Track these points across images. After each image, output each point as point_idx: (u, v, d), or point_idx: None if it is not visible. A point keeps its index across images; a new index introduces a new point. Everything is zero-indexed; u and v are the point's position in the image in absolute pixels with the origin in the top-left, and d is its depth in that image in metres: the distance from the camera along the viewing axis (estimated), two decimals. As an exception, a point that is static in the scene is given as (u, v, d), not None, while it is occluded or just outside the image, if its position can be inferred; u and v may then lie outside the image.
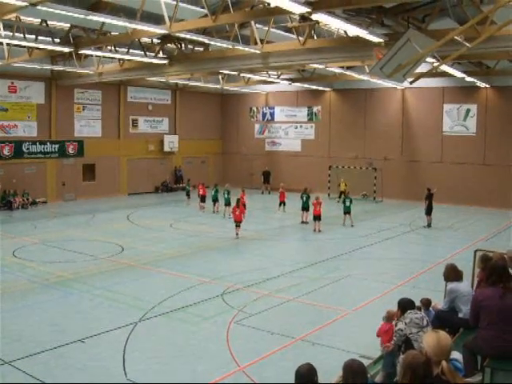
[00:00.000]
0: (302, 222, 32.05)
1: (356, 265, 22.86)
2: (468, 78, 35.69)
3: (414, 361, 5.41)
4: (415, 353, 5.76)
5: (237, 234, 28.01)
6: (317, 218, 29.81)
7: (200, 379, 11.70)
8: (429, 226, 31.29)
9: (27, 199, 37.93)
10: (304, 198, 32.01)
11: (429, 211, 31.55)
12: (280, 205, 35.94)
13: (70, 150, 41.62)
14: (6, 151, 37.67)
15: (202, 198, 36.96)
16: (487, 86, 39.16)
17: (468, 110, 41.06)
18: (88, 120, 43.26)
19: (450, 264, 10.84)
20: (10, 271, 21.08)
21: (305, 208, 31.97)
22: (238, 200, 29.41)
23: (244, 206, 30.53)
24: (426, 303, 10.79)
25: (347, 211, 31.56)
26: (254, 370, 12.16)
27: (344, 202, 32.06)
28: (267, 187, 47.86)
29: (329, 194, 43.92)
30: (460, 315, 9.97)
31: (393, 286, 18.95)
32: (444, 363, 5.44)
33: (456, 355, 7.75)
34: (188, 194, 40.38)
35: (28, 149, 38.97)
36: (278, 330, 14.72)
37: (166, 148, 48.68)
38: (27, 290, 18.76)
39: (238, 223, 28.20)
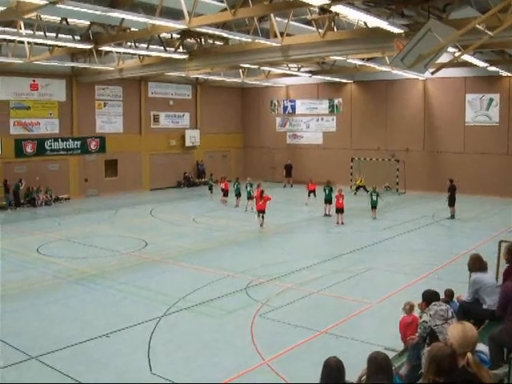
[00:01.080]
0: (325, 215, 32.03)
1: (379, 257, 22.78)
2: (490, 68, 35.35)
3: (439, 353, 5.38)
4: (441, 345, 5.72)
5: (261, 225, 28.35)
6: (339, 210, 29.73)
7: (225, 373, 11.72)
8: (452, 217, 31.07)
9: (50, 196, 38.18)
10: (327, 191, 31.98)
11: (452, 202, 31.30)
12: (309, 194, 36.40)
13: (92, 146, 41.88)
14: (29, 149, 38.01)
15: (225, 193, 37.03)
16: (510, 74, 38.72)
17: (491, 100, 40.65)
18: (109, 116, 43.44)
19: (475, 254, 10.78)
20: (34, 267, 21.28)
21: (328, 200, 31.96)
22: (262, 192, 29.60)
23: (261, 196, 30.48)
24: (450, 294, 10.74)
25: (374, 205, 31.56)
26: (278, 363, 12.18)
27: (371, 196, 31.95)
28: (289, 180, 47.73)
29: (351, 187, 43.75)
30: (484, 306, 9.90)
31: (417, 278, 18.87)
32: (470, 355, 5.39)
33: (481, 347, 7.69)
34: (211, 189, 40.41)
35: (50, 146, 39.27)
36: (302, 323, 14.72)
37: (188, 143, 48.76)
38: (51, 286, 18.92)
39: (260, 213, 28.59)
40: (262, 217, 28.73)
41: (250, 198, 33.97)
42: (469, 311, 9.92)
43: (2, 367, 11.92)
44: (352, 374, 6.90)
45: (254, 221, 29.08)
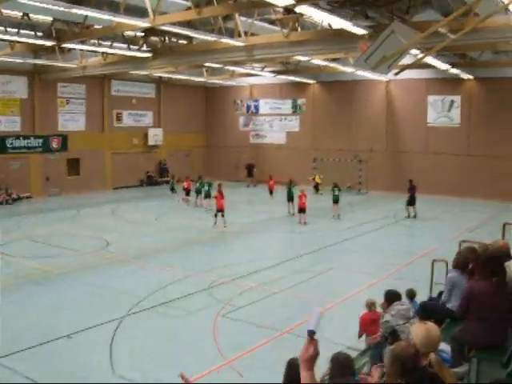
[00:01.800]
0: (289, 214, 32.21)
1: (341, 257, 22.96)
2: (452, 70, 35.81)
3: (403, 353, 5.41)
4: (404, 344, 5.76)
5: (215, 223, 28.62)
6: (302, 210, 29.82)
7: (187, 373, 11.64)
8: (414, 216, 31.56)
9: (10, 194, 37.62)
10: (290, 190, 32.16)
11: (413, 202, 31.82)
12: (271, 193, 37.70)
13: (54, 144, 41.41)
14: (-11, 146, 37.47)
15: (187, 192, 36.89)
16: (471, 77, 39.28)
17: (452, 102, 41.22)
18: (72, 114, 43.00)
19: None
20: (-5, 267, 20.98)
21: (291, 199, 32.10)
22: (219, 188, 29.62)
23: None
24: (411, 294, 10.85)
25: (336, 200, 31.76)
26: (241, 363, 12.18)
27: (333, 191, 32.12)
28: (252, 180, 47.79)
29: (314, 187, 43.96)
30: (448, 305, 9.96)
31: (378, 278, 19.02)
32: (432, 355, 5.43)
33: (443, 346, 7.78)
34: (173, 189, 40.19)
35: (12, 144, 38.70)
36: (265, 322, 14.76)
37: (151, 141, 48.54)
38: (12, 285, 18.64)
39: (219, 211, 28.72)
40: (222, 215, 28.78)
41: (207, 196, 33.96)
42: (431, 310, 9.98)
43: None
44: (316, 374, 6.92)
45: (214, 220, 29.00)
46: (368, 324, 10.53)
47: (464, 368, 7.58)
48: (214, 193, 31.83)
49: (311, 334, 4.41)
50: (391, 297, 9.06)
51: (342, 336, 13.26)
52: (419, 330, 5.61)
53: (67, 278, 19.56)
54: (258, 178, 47.30)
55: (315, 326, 4.44)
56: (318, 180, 43.26)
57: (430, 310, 9.90)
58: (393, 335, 8.23)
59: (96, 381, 11.43)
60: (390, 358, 5.49)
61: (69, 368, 12.09)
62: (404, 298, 10.17)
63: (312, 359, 4.24)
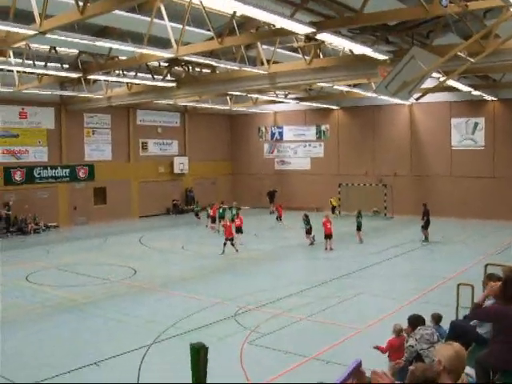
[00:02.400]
0: (311, 243, 31.62)
1: (367, 282, 22.85)
2: (475, 92, 35.76)
3: (423, 374, 5.43)
4: (425, 366, 5.77)
5: (223, 251, 28.79)
6: (328, 236, 29.70)
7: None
8: (426, 239, 31.78)
9: (38, 223, 38.05)
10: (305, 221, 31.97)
11: (427, 226, 32.06)
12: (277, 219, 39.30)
13: (81, 174, 41.95)
14: (18, 176, 38.04)
15: (213, 219, 37.05)
16: (494, 98, 39.24)
17: (476, 124, 41.13)
18: (98, 144, 43.57)
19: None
20: (23, 296, 21.25)
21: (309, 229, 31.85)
22: (233, 216, 29.75)
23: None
24: (437, 318, 10.83)
25: (359, 227, 32.00)
26: (267, 389, 12.21)
27: (357, 218, 32.22)
28: (273, 206, 47.58)
29: (339, 212, 43.93)
30: (479, 330, 9.91)
31: (405, 303, 18.94)
32: (464, 376, 5.44)
33: (467, 370, 7.78)
34: (197, 215, 40.36)
35: (39, 174, 39.33)
36: (292, 349, 14.75)
37: (177, 170, 48.90)
38: (40, 314, 18.88)
39: (229, 239, 28.88)
40: (232, 243, 28.97)
41: (233, 220, 34.17)
42: (461, 333, 9.95)
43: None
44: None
45: (241, 248, 29.06)
46: (395, 349, 10.52)
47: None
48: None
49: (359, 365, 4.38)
50: (415, 321, 9.08)
51: (369, 361, 13.19)
52: (446, 351, 5.58)
53: (94, 306, 19.72)
54: (284, 204, 47.21)
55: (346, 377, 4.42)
56: (333, 203, 44.09)
57: (460, 331, 9.87)
58: (417, 360, 8.25)
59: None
60: (409, 379, 5.50)
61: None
62: (429, 323, 10.18)
63: None
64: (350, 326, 16.69)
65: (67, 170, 41.09)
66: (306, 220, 31.47)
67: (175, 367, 13.79)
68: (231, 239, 28.86)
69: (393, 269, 25.37)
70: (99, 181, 43.06)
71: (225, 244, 28.77)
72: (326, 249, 29.67)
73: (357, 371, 4.21)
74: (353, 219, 33.11)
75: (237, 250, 28.75)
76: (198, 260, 28.06)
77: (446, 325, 10.77)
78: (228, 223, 29.71)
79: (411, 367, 5.81)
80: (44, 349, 15.35)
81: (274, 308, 18.91)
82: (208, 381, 12.80)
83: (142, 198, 46.32)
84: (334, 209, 43.75)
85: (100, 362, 14.05)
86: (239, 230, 31.03)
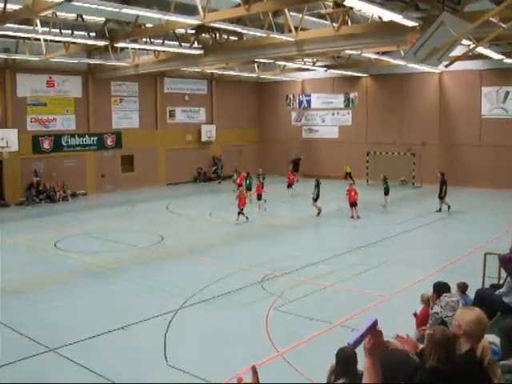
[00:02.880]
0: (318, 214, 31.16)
1: (394, 251, 22.82)
2: (506, 60, 35.13)
3: (443, 337, 5.43)
4: (443, 328, 5.77)
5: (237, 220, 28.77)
6: (353, 204, 29.69)
7: (239, 364, 11.84)
8: (440, 210, 31.45)
9: (65, 191, 38.41)
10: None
11: (443, 196, 31.59)
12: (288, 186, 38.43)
13: (109, 142, 42.17)
14: (46, 145, 38.34)
15: (239, 187, 37.04)
16: (527, 66, 38.55)
17: (507, 93, 40.46)
18: (125, 112, 43.70)
19: None
20: (53, 262, 21.55)
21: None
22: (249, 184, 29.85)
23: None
24: (463, 287, 10.78)
25: (387, 192, 32.57)
26: (292, 355, 12.29)
27: (384, 183, 32.93)
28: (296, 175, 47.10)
29: (367, 181, 43.75)
30: (505, 299, 9.87)
31: (431, 272, 18.88)
32: (486, 342, 5.40)
33: (492, 338, 7.76)
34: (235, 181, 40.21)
35: (67, 142, 39.59)
36: (317, 315, 14.82)
37: (204, 138, 48.94)
38: (69, 280, 19.15)
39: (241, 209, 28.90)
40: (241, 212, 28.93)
41: (250, 189, 34.99)
42: (487, 300, 9.92)
43: (20, 359, 12.17)
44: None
45: (267, 214, 29.11)
46: (425, 318, 10.45)
47: (513, 360, 7.54)
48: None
49: (374, 324, 4.38)
50: (440, 288, 9.03)
51: (394, 329, 13.23)
52: (467, 315, 5.55)
53: (121, 272, 19.96)
54: (311, 172, 47.11)
55: (359, 338, 4.40)
56: (347, 169, 44.84)
57: (486, 299, 9.84)
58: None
59: (149, 372, 11.69)
60: (428, 343, 5.50)
61: (123, 359, 12.38)
62: (455, 292, 10.15)
63: (373, 348, 4.26)
64: (375, 293, 16.72)
65: (95, 138, 41.32)
66: (316, 186, 30.91)
67: (201, 332, 13.98)
68: (241, 209, 28.78)
69: (420, 238, 25.31)
70: (127, 148, 43.27)
71: (239, 213, 28.73)
72: (353, 217, 29.64)
73: (373, 329, 4.21)
74: (381, 188, 33.01)
75: (247, 218, 28.74)
76: (225, 227, 28.18)
77: (472, 294, 10.76)
78: (244, 193, 29.60)
79: (428, 331, 5.81)
80: (71, 313, 15.60)
81: (300, 275, 18.99)
82: (231, 345, 13.00)
83: (169, 166, 46.49)
84: (348, 175, 44.24)
85: (127, 326, 14.25)
86: (259, 197, 31.76)
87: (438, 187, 31.59)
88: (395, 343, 6.77)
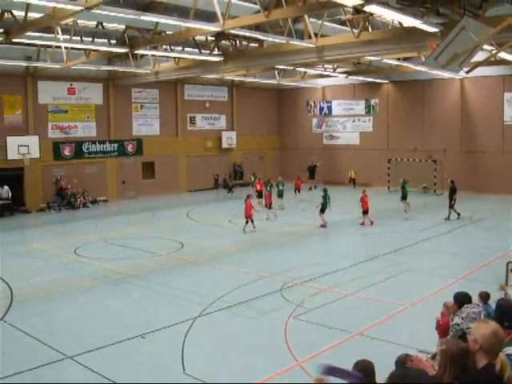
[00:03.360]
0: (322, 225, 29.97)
1: (415, 259, 22.58)
2: (530, 66, 34.85)
3: (458, 351, 5.30)
4: (456, 341, 5.63)
5: (244, 230, 28.47)
6: (365, 212, 29.63)
7: (258, 373, 11.75)
8: (448, 218, 30.90)
9: (85, 198, 38.53)
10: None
11: (453, 204, 31.02)
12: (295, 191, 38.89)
13: (129, 148, 42.32)
14: (67, 152, 38.58)
15: (259, 194, 36.89)
16: (550, 72, 38.17)
17: (530, 99, 40.12)
18: (146, 118, 43.85)
19: None
20: (72, 268, 21.60)
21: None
22: (248, 196, 29.51)
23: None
24: (485, 297, 10.59)
25: (404, 197, 32.30)
26: (311, 364, 12.14)
27: (402, 188, 32.48)
28: (313, 182, 46.89)
29: (388, 188, 43.49)
30: None
31: (452, 280, 18.66)
32: (503, 356, 5.26)
33: (511, 351, 7.59)
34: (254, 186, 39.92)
35: (88, 149, 39.81)
36: (336, 324, 14.67)
37: (225, 144, 49.00)
38: (88, 286, 19.16)
39: (247, 219, 28.55)
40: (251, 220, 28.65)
41: (280, 196, 34.51)
42: (507, 313, 9.76)
43: (38, 366, 12.15)
44: (385, 376, 6.86)
45: (289, 222, 28.97)
46: (448, 329, 10.27)
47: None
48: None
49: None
50: (461, 299, 8.87)
51: (414, 339, 13.09)
52: (485, 329, 5.41)
53: (141, 279, 19.92)
54: (331, 179, 46.97)
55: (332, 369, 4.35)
56: (352, 175, 45.32)
57: (506, 310, 9.67)
58: (463, 339, 8.07)
59: (166, 381, 11.60)
60: (443, 357, 5.37)
61: (141, 367, 12.31)
62: (476, 300, 9.97)
63: None
64: (395, 302, 16.53)
65: (115, 145, 41.48)
66: (324, 196, 29.80)
67: (219, 341, 13.89)
68: (250, 219, 28.49)
69: (441, 246, 25.04)
70: (147, 155, 43.40)
71: (246, 222, 28.44)
72: (363, 224, 29.57)
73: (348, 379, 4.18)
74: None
75: (254, 227, 28.52)
76: (244, 234, 28.06)
77: (494, 304, 10.56)
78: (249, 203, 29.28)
79: (441, 347, 5.67)
80: (90, 320, 15.59)
81: (319, 283, 18.84)
82: (249, 353, 12.88)
83: (189, 173, 46.57)
84: (351, 181, 44.77)
85: (145, 334, 14.20)
86: (269, 205, 32.19)
87: (448, 195, 31.32)
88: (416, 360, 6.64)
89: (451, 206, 30.87)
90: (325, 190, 30.06)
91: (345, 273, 20.22)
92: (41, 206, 36.87)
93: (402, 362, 6.13)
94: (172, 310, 16.42)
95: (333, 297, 17.32)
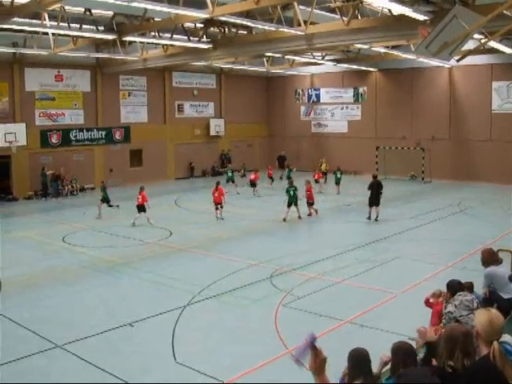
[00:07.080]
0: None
1: (404, 246, 22.63)
2: (518, 54, 34.85)
3: (453, 332, 5.31)
4: (456, 325, 5.63)
5: (216, 217, 28.54)
6: (310, 203, 29.57)
7: (248, 362, 11.73)
8: (369, 218, 27.98)
9: (73, 186, 38.38)
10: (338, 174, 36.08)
11: (377, 201, 27.91)
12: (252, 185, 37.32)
13: (117, 136, 42.12)
14: (54, 139, 38.34)
15: (252, 184, 36.78)
16: (538, 61, 38.22)
17: (518, 87, 40.21)
18: (134, 106, 43.64)
19: (487, 248, 11.04)
20: (60, 257, 21.49)
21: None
22: (218, 182, 29.40)
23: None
24: (470, 287, 10.60)
25: (337, 182, 35.98)
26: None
27: (336, 174, 35.80)
28: (282, 171, 45.11)
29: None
30: (505, 297, 9.86)
31: (442, 268, 18.73)
32: (495, 344, 5.25)
33: (507, 338, 7.59)
34: (233, 181, 39.40)
35: (75, 136, 39.58)
36: (326, 312, 14.68)
37: (213, 132, 48.86)
38: (77, 275, 19.09)
39: (217, 205, 28.62)
40: (221, 206, 28.76)
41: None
42: (497, 299, 9.85)
43: (28, 355, 12.09)
44: (375, 364, 6.85)
45: (279, 211, 28.95)
46: (439, 314, 10.26)
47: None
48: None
49: (312, 340, 4.43)
50: (454, 287, 8.89)
51: (404, 326, 13.08)
52: (482, 317, 5.41)
53: (129, 267, 19.86)
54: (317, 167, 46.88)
55: (301, 354, 4.44)
56: (323, 167, 42.48)
57: (494, 297, 9.73)
58: (456, 327, 8.08)
59: (157, 370, 11.57)
60: (442, 338, 5.37)
61: (131, 356, 12.28)
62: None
63: (319, 366, 4.22)
64: (385, 290, 16.56)
65: (103, 133, 41.27)
66: (288, 190, 28.59)
67: (209, 329, 13.86)
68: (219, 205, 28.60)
69: (430, 233, 25.09)
70: (135, 143, 43.24)
71: (216, 208, 28.58)
72: (309, 215, 29.28)
73: (312, 346, 4.19)
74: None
75: (222, 218, 28.45)
76: (233, 222, 28.02)
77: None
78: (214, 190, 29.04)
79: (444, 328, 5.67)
80: (79, 309, 15.52)
81: (309, 271, 18.84)
82: (239, 342, 12.86)
83: (177, 160, 46.45)
84: (323, 175, 40.49)
85: (134, 322, 14.15)
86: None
87: (373, 192, 27.87)
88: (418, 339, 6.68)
89: (376, 205, 27.92)
90: (290, 183, 29.07)
91: (335, 260, 20.23)
92: (28, 193, 36.64)
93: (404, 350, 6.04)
94: (161, 298, 16.36)
95: (322, 284, 17.33)
